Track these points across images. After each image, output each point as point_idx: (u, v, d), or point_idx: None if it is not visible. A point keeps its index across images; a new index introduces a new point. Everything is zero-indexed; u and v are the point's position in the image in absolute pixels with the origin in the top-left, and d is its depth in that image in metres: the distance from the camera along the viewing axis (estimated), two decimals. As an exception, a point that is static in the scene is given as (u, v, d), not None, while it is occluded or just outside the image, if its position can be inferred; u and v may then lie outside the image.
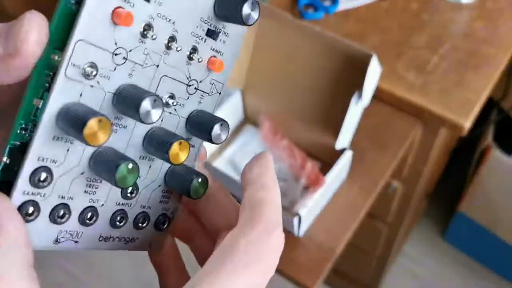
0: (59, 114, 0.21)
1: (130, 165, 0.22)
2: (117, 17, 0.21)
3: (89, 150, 0.23)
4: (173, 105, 0.25)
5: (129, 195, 0.25)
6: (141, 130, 0.24)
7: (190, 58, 0.25)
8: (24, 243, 0.20)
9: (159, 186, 0.26)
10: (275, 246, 0.21)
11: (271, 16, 0.66)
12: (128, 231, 0.26)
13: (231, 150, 0.72)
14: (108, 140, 0.21)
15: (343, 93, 0.63)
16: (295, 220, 0.61)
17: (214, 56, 0.25)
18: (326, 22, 0.84)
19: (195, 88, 0.25)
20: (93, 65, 0.21)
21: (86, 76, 0.21)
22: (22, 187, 0.21)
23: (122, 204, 0.25)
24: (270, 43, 0.67)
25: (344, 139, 0.65)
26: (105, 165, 0.23)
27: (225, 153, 0.72)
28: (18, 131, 0.21)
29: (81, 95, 0.21)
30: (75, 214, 0.24)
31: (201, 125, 0.25)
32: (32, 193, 0.22)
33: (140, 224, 0.26)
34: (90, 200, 0.24)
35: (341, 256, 0.66)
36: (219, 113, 0.70)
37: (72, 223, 0.24)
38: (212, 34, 0.25)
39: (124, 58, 0.22)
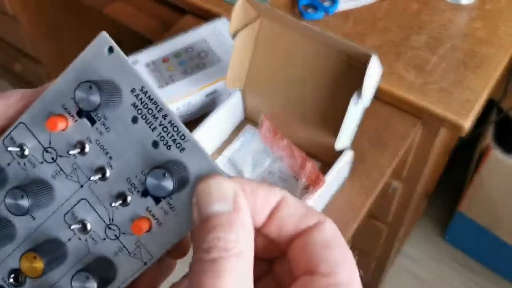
0: None
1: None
2: (49, 122, 0.23)
3: None
4: (82, 233, 0.24)
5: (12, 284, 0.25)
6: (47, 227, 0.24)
7: (115, 201, 0.23)
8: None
9: None
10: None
11: (271, 16, 0.66)
12: None
13: (231, 150, 0.73)
14: (13, 221, 0.24)
15: (343, 93, 0.63)
16: (295, 220, 0.61)
17: (147, 218, 0.23)
18: (326, 22, 0.84)
19: (115, 235, 0.23)
20: (25, 148, 0.24)
21: (17, 153, 0.24)
22: None
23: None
24: (270, 43, 0.67)
25: (344, 139, 0.65)
26: None
27: (225, 152, 0.72)
28: None
29: (8, 164, 0.24)
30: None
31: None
32: None
33: None
34: None
35: (341, 256, 0.66)
36: (218, 115, 0.70)
37: None
38: (147, 194, 0.23)
39: (52, 158, 0.24)
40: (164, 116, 0.22)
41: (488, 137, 1.17)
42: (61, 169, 0.24)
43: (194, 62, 0.77)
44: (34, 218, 0.24)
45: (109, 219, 0.23)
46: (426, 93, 0.75)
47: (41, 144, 0.24)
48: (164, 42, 0.79)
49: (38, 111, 0.23)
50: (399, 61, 0.78)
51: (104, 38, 0.22)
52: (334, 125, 0.64)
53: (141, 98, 0.22)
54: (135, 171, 0.23)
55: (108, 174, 0.23)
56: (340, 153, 0.66)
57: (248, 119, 0.75)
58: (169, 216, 0.23)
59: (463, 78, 0.76)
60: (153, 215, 0.23)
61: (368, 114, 0.70)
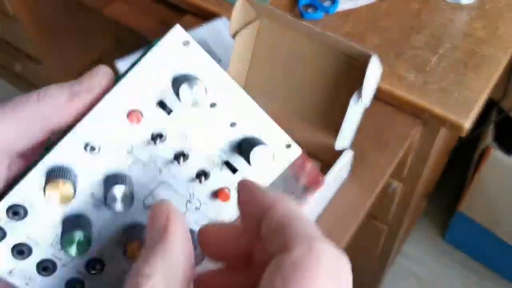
0: (51, 168, 0.22)
1: (81, 237, 0.22)
2: (130, 116, 0.22)
3: (68, 209, 0.23)
4: None
5: (92, 270, 0.24)
6: (124, 218, 0.24)
7: (196, 178, 0.25)
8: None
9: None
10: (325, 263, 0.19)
11: (271, 16, 0.66)
12: None
13: (231, 150, 0.72)
14: (93, 215, 0.23)
15: (343, 93, 0.63)
16: (295, 220, 0.61)
17: (228, 189, 0.25)
18: (326, 22, 0.84)
19: (196, 208, 0.25)
20: (95, 146, 0.23)
21: (87, 148, 0.22)
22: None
23: (83, 274, 0.24)
24: (270, 43, 0.67)
25: (344, 139, 0.65)
26: (66, 226, 0.23)
27: (225, 153, 0.72)
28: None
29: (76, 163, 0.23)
30: (33, 259, 0.24)
31: None
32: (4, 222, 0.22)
33: None
34: (53, 255, 0.24)
35: (341, 256, 0.66)
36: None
37: (28, 266, 0.24)
38: (229, 166, 0.25)
39: (128, 152, 0.23)
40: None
41: (488, 137, 1.17)
42: (138, 159, 0.24)
43: (194, 62, 0.77)
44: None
45: (190, 195, 0.25)
46: (426, 93, 0.75)
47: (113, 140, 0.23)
48: (164, 42, 0.79)
49: (107, 110, 0.22)
50: (399, 61, 0.78)
51: (179, 32, 0.22)
52: (334, 125, 0.64)
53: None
54: (214, 149, 0.24)
55: (187, 156, 0.24)
56: (340, 153, 0.66)
57: (248, 119, 0.75)
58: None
59: (463, 78, 0.76)
60: (231, 185, 0.25)
61: (368, 114, 0.69)
